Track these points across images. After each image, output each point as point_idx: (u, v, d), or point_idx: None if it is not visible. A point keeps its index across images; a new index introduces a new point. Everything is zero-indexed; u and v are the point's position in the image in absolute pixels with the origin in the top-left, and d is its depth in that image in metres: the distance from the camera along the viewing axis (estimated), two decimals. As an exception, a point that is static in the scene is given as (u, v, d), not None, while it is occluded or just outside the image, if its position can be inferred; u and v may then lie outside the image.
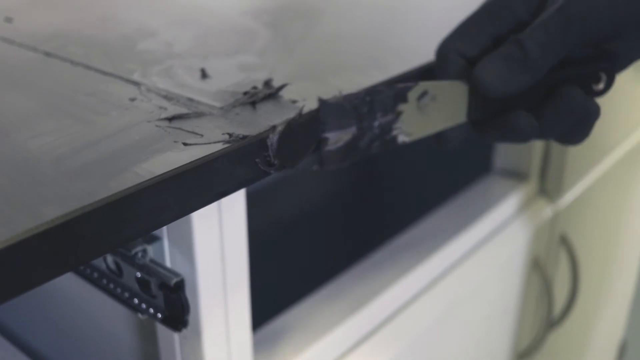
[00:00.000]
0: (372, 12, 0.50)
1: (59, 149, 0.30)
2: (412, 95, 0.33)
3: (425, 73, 0.38)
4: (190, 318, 0.38)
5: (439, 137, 0.36)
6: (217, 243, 0.38)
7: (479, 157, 0.75)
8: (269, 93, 0.35)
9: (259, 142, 0.30)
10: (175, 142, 0.30)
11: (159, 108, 0.34)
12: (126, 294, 0.39)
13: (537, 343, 0.78)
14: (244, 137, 0.30)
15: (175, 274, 0.37)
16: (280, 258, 0.56)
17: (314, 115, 0.30)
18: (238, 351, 0.42)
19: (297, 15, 0.49)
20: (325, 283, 0.55)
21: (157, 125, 0.32)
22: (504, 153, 0.73)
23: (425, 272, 0.59)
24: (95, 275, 0.41)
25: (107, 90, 0.36)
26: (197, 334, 0.39)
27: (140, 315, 0.39)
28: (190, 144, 0.30)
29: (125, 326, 0.45)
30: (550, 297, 0.76)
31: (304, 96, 0.35)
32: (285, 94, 0.35)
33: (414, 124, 0.33)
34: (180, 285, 0.37)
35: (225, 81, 0.37)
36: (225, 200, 0.37)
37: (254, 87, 0.35)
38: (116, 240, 0.27)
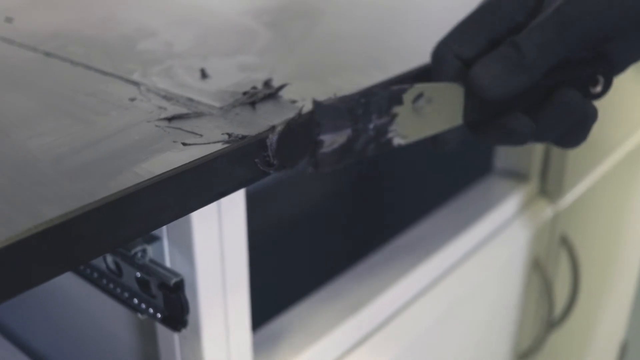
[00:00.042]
0: (372, 12, 0.50)
1: (59, 149, 0.30)
2: (408, 97, 0.33)
3: (421, 75, 0.38)
4: (190, 318, 0.38)
5: (435, 140, 0.36)
6: (216, 243, 0.38)
7: (479, 157, 0.75)
8: (269, 93, 0.35)
9: (259, 142, 0.30)
10: (174, 142, 0.30)
11: (158, 108, 0.34)
12: (126, 294, 0.39)
13: (537, 344, 0.78)
14: (244, 137, 0.30)
15: (175, 274, 0.37)
16: (280, 258, 0.56)
17: (309, 117, 0.30)
18: (238, 351, 0.42)
19: (297, 15, 0.49)
20: (325, 283, 0.55)
21: (156, 125, 0.32)
22: (505, 154, 0.73)
23: (425, 273, 0.59)
24: (95, 275, 0.41)
25: (107, 90, 0.36)
26: (197, 334, 0.39)
27: (139, 315, 0.39)
28: (190, 144, 0.30)
29: (125, 326, 0.45)
30: (550, 298, 0.76)
31: (304, 96, 0.35)
32: (285, 94, 0.35)
33: (409, 127, 0.33)
34: (179, 285, 0.37)
35: (225, 81, 0.37)
36: (225, 200, 0.37)
37: (254, 87, 0.35)
38: (115, 240, 0.27)
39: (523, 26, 0.34)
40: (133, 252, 0.37)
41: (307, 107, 0.33)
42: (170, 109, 0.33)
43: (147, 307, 0.39)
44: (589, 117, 0.36)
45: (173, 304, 0.37)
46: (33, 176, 0.28)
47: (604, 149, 0.84)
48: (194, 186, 0.28)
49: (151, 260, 0.38)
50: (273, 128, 0.30)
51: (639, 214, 1.04)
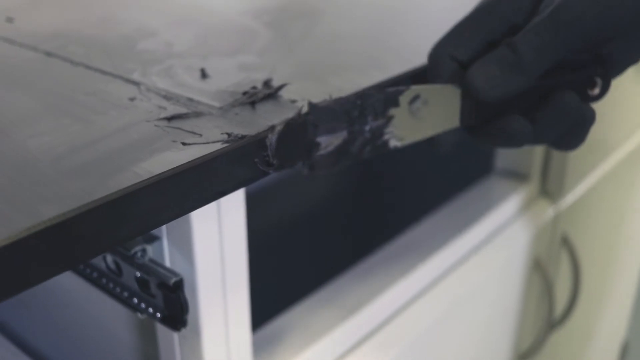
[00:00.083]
0: (372, 12, 0.50)
1: (58, 148, 0.30)
2: (404, 99, 0.33)
3: (420, 75, 0.38)
4: (190, 318, 0.38)
5: (431, 142, 0.36)
6: (216, 243, 0.38)
7: (480, 157, 0.75)
8: (269, 93, 0.35)
9: (258, 142, 0.30)
10: (174, 141, 0.30)
11: (158, 108, 0.34)
12: (125, 294, 0.40)
13: (538, 344, 0.78)
14: (243, 136, 0.30)
15: (174, 273, 0.38)
16: (280, 258, 0.56)
17: (305, 119, 0.30)
18: (237, 351, 0.42)
19: (297, 15, 0.49)
20: (325, 283, 0.55)
21: (156, 125, 0.32)
22: (505, 154, 0.73)
23: (426, 273, 0.59)
24: (95, 274, 0.41)
25: (107, 89, 0.36)
26: (197, 334, 0.39)
27: (139, 314, 0.39)
28: (189, 144, 0.30)
29: (124, 325, 0.45)
30: (551, 298, 0.76)
31: (304, 96, 0.35)
32: (285, 93, 0.35)
33: (405, 129, 0.33)
34: (179, 285, 0.37)
35: (225, 81, 0.37)
36: (224, 200, 0.37)
37: (254, 87, 0.35)
38: (115, 239, 0.27)
39: (520, 28, 0.34)
40: (133, 251, 0.37)
41: (307, 107, 0.33)
42: (170, 108, 0.33)
43: (147, 307, 0.39)
44: (586, 120, 0.36)
45: (172, 304, 0.37)
46: (32, 175, 0.28)
47: (604, 149, 0.84)
48: (194, 186, 0.28)
49: (151, 260, 0.38)
50: (273, 128, 0.30)
51: (640, 215, 1.04)
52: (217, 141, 0.30)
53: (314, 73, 0.39)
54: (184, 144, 0.30)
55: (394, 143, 0.33)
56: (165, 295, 0.37)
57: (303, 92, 0.35)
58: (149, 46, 0.42)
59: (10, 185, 0.27)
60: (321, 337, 0.50)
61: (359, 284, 0.56)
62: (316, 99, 0.31)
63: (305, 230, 0.59)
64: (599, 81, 0.36)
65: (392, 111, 0.32)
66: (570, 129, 0.36)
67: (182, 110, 0.33)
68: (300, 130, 0.31)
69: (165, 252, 0.38)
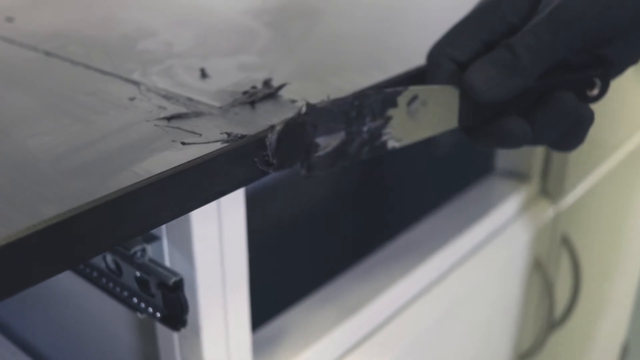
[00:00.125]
0: (372, 12, 0.50)
1: (58, 148, 0.30)
2: (402, 100, 0.33)
3: (420, 76, 0.38)
4: (189, 317, 0.38)
5: (430, 143, 0.36)
6: (216, 243, 0.38)
7: (480, 157, 0.75)
8: (268, 93, 0.35)
9: (258, 141, 0.30)
10: (173, 141, 0.30)
11: (158, 107, 0.34)
12: (125, 293, 0.40)
13: (538, 344, 0.78)
14: (243, 136, 0.30)
15: (174, 273, 0.38)
16: (280, 258, 0.56)
17: (302, 120, 0.30)
18: (237, 351, 0.42)
19: (297, 15, 0.49)
20: (326, 283, 0.55)
21: (156, 125, 0.32)
22: (506, 154, 0.73)
23: (426, 273, 0.59)
24: (95, 274, 0.41)
25: (107, 89, 0.36)
26: (196, 334, 0.39)
27: (139, 314, 0.39)
28: (189, 143, 0.30)
29: (124, 325, 0.45)
30: (551, 298, 0.76)
31: (304, 96, 0.35)
32: (285, 93, 0.35)
33: (404, 129, 0.33)
34: (178, 285, 0.37)
35: (224, 81, 0.37)
36: (224, 200, 0.37)
37: (253, 87, 0.35)
38: (114, 238, 0.27)
39: (518, 29, 0.34)
40: (132, 251, 0.37)
41: (305, 108, 0.33)
42: (169, 108, 0.33)
43: (147, 307, 0.39)
44: (584, 120, 0.36)
45: (172, 303, 0.37)
46: (32, 175, 0.28)
47: (605, 149, 0.84)
48: (193, 185, 0.28)
49: (150, 260, 0.38)
50: (272, 127, 0.30)
51: (641, 215, 1.04)
52: (217, 141, 0.30)
53: (314, 73, 0.39)
54: (183, 143, 0.30)
55: (392, 144, 0.33)
56: (165, 295, 0.37)
57: (303, 92, 0.35)
58: (149, 46, 0.42)
59: (10, 185, 0.27)
60: (321, 337, 0.50)
61: (359, 284, 0.56)
62: (316, 99, 0.31)
63: (305, 230, 0.59)
64: (597, 82, 0.36)
65: (390, 112, 0.32)
66: (568, 129, 0.36)
67: (182, 110, 0.33)
68: (300, 130, 0.31)
69: (165, 252, 0.38)
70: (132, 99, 0.35)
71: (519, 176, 0.73)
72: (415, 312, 0.58)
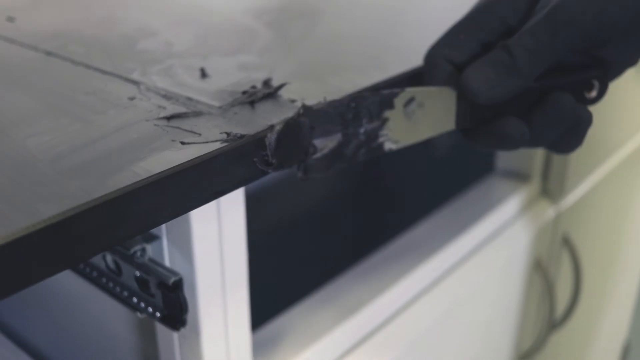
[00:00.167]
0: (372, 12, 0.50)
1: (57, 148, 0.30)
2: (399, 101, 0.32)
3: (417, 77, 0.38)
4: (189, 317, 0.38)
5: (427, 144, 0.36)
6: (216, 242, 0.38)
7: (480, 158, 0.75)
8: (268, 92, 0.35)
9: (257, 141, 0.30)
10: (173, 141, 0.30)
11: (157, 107, 0.34)
12: (125, 293, 0.40)
13: (539, 344, 0.78)
14: (242, 136, 0.30)
15: (174, 273, 0.38)
16: (280, 258, 0.56)
17: (299, 122, 0.30)
18: (237, 351, 0.42)
19: (297, 15, 0.49)
20: (326, 283, 0.55)
21: (155, 124, 0.32)
22: (506, 154, 0.73)
23: (426, 273, 0.59)
24: (95, 274, 0.41)
25: (107, 89, 0.36)
26: (196, 333, 0.39)
27: (139, 314, 0.39)
28: (188, 143, 0.30)
29: (124, 325, 0.45)
30: (552, 299, 0.76)
31: (303, 96, 0.35)
32: (285, 93, 0.35)
33: (400, 131, 0.33)
34: (178, 285, 0.37)
35: (224, 81, 0.37)
36: (224, 200, 0.37)
37: (253, 87, 0.35)
38: (114, 238, 0.27)
39: (515, 30, 0.34)
40: (132, 251, 0.37)
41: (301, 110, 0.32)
42: (169, 108, 0.33)
43: (147, 306, 0.39)
44: (582, 122, 0.36)
45: (172, 303, 0.37)
46: (32, 175, 0.28)
47: (606, 150, 0.84)
48: (193, 185, 0.28)
49: (150, 259, 0.38)
50: (272, 127, 0.30)
51: (641, 215, 1.04)
52: (216, 140, 0.30)
53: (314, 73, 0.39)
54: (183, 143, 0.30)
55: (389, 146, 0.32)
56: (165, 294, 0.37)
57: (303, 92, 0.35)
58: (149, 46, 0.42)
59: (10, 185, 0.27)
60: (321, 337, 0.50)
61: (359, 284, 0.56)
62: (316, 99, 0.31)
63: (305, 230, 0.59)
64: (596, 84, 0.36)
65: (387, 113, 0.32)
66: (566, 131, 0.36)
67: (182, 109, 0.33)
68: (298, 131, 0.31)
69: (165, 252, 0.38)
70: (131, 98, 0.35)
71: (519, 176, 0.73)
72: (415, 312, 0.58)
